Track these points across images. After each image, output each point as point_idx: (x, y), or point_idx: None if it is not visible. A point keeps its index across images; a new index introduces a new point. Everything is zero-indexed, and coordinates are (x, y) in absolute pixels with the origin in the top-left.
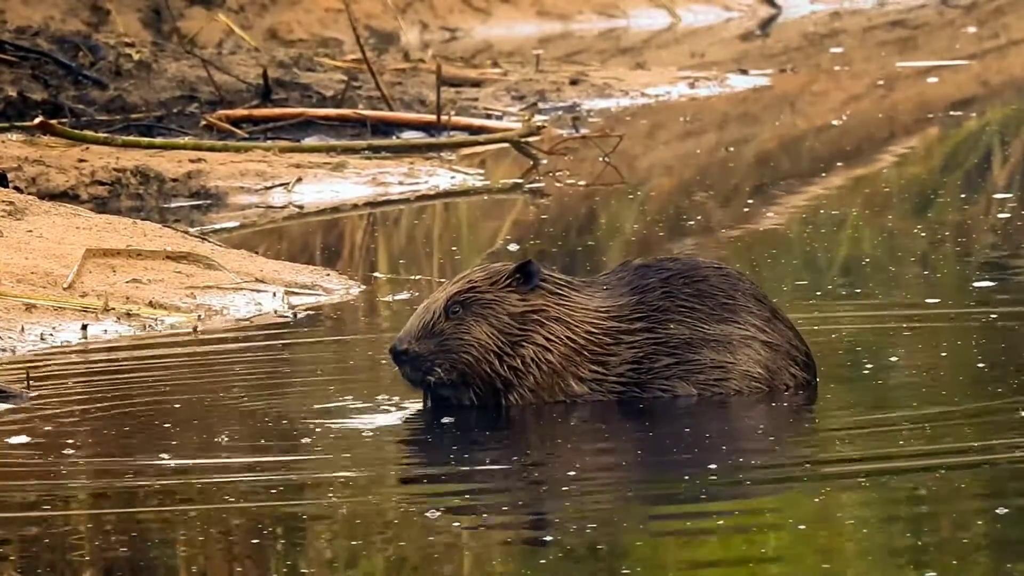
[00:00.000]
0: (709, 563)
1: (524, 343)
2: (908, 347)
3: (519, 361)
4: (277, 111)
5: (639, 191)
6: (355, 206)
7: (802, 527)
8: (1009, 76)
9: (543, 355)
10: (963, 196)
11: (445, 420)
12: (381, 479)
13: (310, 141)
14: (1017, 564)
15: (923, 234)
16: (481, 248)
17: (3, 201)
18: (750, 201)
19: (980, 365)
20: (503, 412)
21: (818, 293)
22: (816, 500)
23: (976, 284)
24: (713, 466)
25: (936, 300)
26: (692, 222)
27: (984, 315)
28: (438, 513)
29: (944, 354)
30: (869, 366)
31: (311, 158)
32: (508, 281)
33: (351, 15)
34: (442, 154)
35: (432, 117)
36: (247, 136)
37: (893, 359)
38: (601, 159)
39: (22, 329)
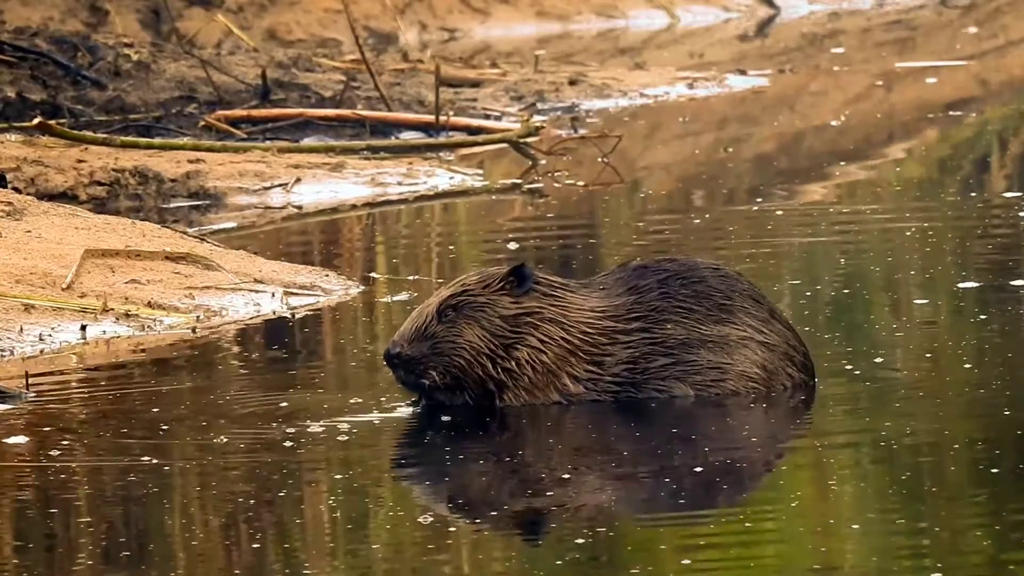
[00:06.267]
0: (707, 563)
1: (518, 345)
2: (903, 345)
3: (513, 363)
4: (276, 111)
5: (638, 191)
6: (354, 206)
7: (799, 528)
8: (1008, 76)
9: (537, 356)
10: (961, 196)
11: (441, 419)
12: (376, 481)
13: (309, 141)
14: None
15: (921, 233)
16: (480, 249)
17: (2, 202)
18: (750, 201)
19: (968, 365)
20: (498, 412)
21: (809, 294)
22: (814, 498)
23: (962, 285)
24: (702, 469)
25: (926, 300)
26: (690, 222)
27: (975, 316)
28: (431, 517)
29: (930, 355)
30: (864, 365)
31: (310, 158)
32: (501, 284)
33: (350, 16)
34: (441, 154)
35: (431, 117)
36: (246, 136)
37: (879, 360)
38: (600, 159)
39: (21, 330)
